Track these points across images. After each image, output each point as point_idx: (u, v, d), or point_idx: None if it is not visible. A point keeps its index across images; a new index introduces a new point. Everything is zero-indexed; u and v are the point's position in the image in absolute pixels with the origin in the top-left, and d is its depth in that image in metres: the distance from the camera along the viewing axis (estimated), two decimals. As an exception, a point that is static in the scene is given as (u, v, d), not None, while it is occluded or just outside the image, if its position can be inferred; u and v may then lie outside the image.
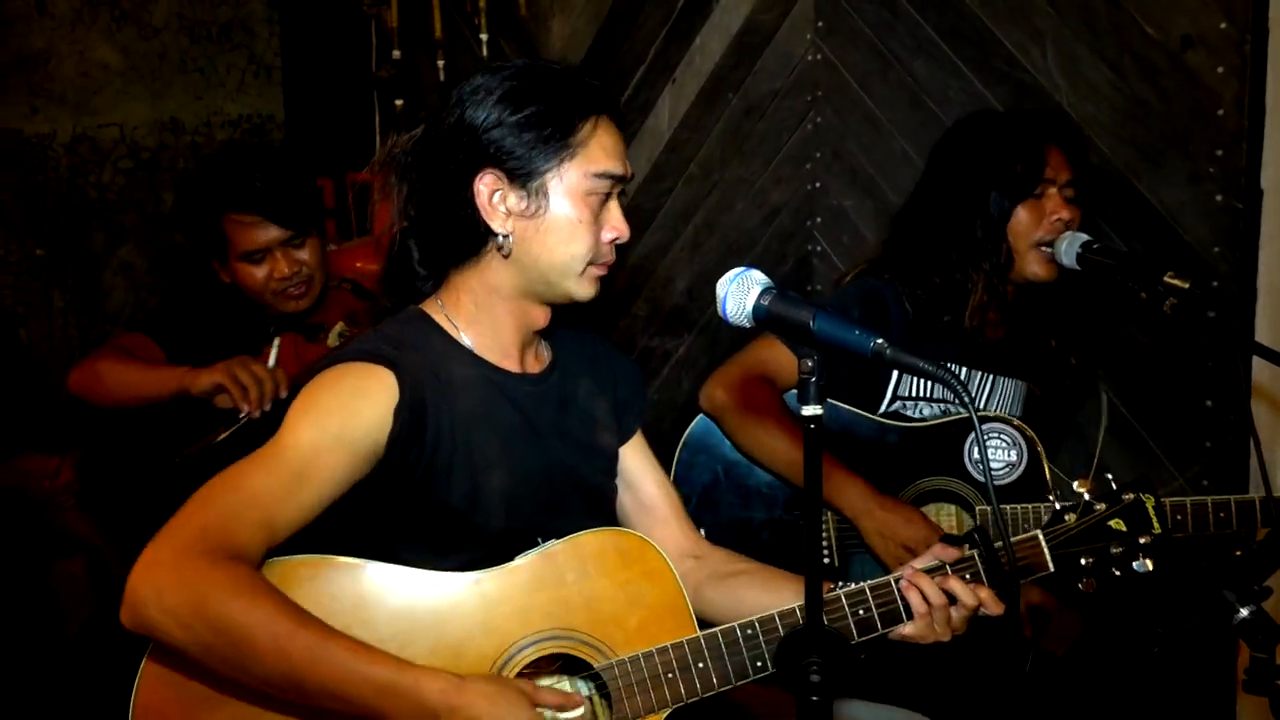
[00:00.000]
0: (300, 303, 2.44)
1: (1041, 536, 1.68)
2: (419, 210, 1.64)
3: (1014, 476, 2.24)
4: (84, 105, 3.75)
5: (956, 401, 2.30)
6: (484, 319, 1.64)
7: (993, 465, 2.23)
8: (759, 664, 1.57)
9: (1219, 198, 2.52)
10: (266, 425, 1.68)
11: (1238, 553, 1.50)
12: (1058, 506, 1.70)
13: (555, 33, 3.29)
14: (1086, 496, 1.70)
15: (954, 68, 2.79)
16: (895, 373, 2.32)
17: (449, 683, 1.40)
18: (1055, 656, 2.41)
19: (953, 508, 2.30)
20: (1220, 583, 1.48)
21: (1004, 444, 2.25)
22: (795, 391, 1.82)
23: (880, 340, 1.26)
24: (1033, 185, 2.23)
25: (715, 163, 3.12)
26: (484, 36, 3.28)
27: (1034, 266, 2.25)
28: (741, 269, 1.38)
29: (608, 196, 1.61)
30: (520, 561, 1.58)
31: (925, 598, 1.59)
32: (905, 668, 2.08)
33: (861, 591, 1.61)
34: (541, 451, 1.67)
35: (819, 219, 3.05)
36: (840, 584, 1.62)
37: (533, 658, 1.55)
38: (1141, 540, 1.68)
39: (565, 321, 1.74)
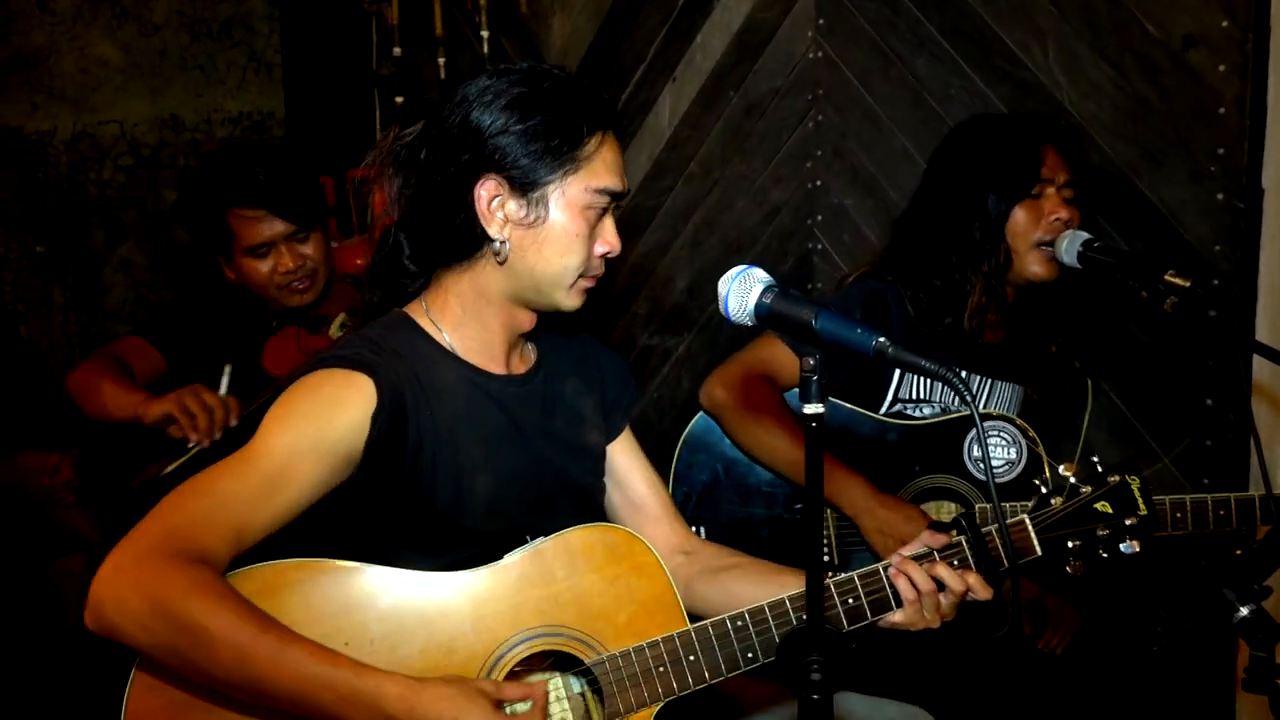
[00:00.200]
0: (305, 297, 2.45)
1: (1028, 521, 1.69)
2: (414, 206, 1.63)
3: (1014, 474, 2.25)
4: (84, 102, 3.75)
5: (957, 402, 2.30)
6: (470, 322, 1.64)
7: (993, 463, 2.23)
8: (749, 655, 1.58)
9: (1220, 196, 2.52)
10: (216, 454, 1.67)
11: (1238, 551, 1.51)
12: (1043, 491, 1.71)
13: (556, 30, 3.28)
14: (1072, 480, 1.70)
15: (955, 66, 2.79)
16: (896, 375, 2.32)
17: (407, 687, 1.40)
18: (1055, 655, 2.41)
19: (953, 505, 2.30)
20: (1220, 581, 1.48)
21: (1004, 442, 2.26)
22: (796, 390, 1.82)
23: (882, 339, 1.27)
24: (1029, 186, 2.23)
25: (716, 161, 3.12)
26: (485, 34, 3.28)
27: (1035, 266, 2.25)
28: (744, 267, 1.38)
29: (605, 211, 1.61)
30: (509, 560, 1.58)
31: (913, 584, 1.60)
32: (901, 660, 2.08)
33: (850, 580, 1.62)
34: (527, 452, 1.67)
35: (819, 217, 3.05)
36: (830, 574, 1.63)
37: (524, 655, 1.56)
38: (1128, 522, 1.69)
39: (565, 322, 1.73)
